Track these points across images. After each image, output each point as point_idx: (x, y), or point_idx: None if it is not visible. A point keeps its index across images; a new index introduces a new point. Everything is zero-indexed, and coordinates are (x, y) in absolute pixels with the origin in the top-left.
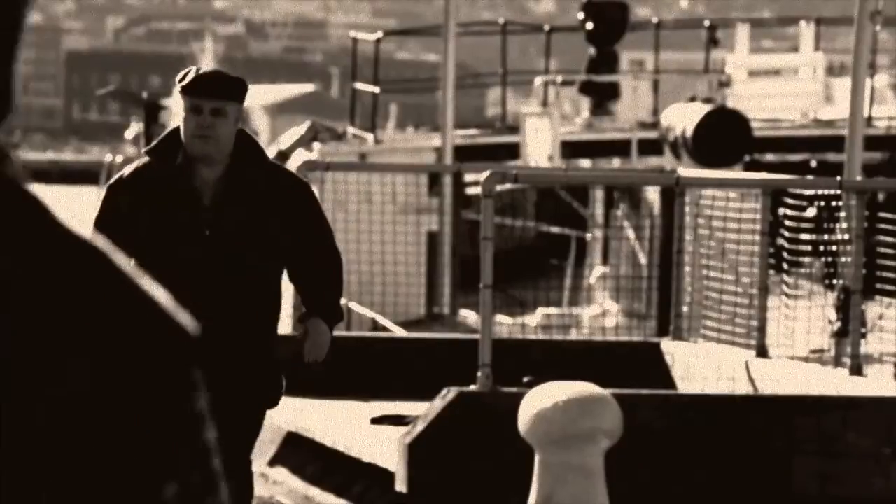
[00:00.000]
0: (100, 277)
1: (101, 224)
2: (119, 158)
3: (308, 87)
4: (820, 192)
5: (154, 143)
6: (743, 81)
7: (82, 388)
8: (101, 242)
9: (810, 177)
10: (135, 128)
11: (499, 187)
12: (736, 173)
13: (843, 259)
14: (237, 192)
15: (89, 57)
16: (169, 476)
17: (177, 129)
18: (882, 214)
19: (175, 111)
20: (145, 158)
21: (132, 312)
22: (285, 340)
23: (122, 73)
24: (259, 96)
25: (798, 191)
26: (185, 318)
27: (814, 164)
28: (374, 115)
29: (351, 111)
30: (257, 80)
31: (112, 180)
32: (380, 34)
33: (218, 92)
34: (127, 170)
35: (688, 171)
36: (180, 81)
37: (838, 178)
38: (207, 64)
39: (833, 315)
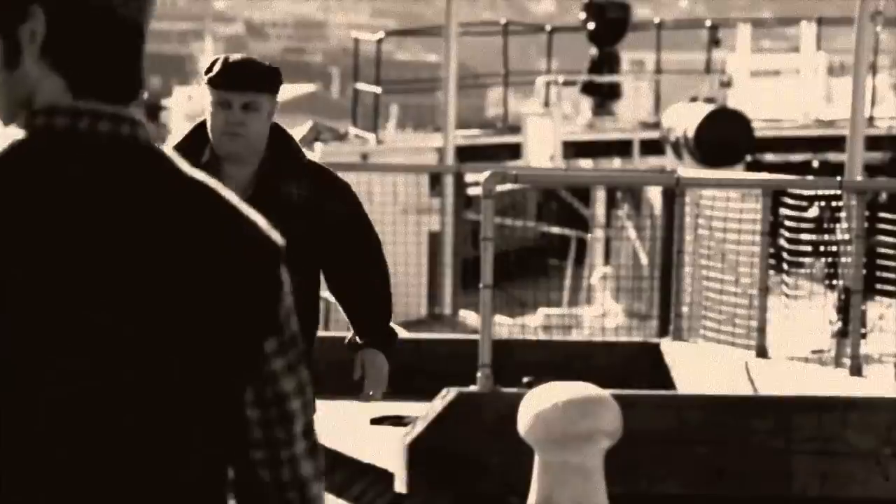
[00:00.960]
0: (221, 206)
1: None
2: None
3: (308, 87)
4: (820, 192)
5: (178, 139)
6: (744, 81)
7: (212, 279)
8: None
9: (810, 177)
10: None
11: (500, 188)
12: (736, 173)
13: (843, 259)
14: (270, 194)
15: None
16: (269, 333)
17: (203, 124)
18: (883, 215)
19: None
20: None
21: (241, 228)
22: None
23: None
24: None
25: (798, 191)
26: (276, 235)
27: (815, 164)
28: (375, 116)
29: (353, 111)
30: None
31: None
32: (381, 34)
33: (250, 84)
34: None
35: (688, 171)
36: (207, 73)
37: (838, 178)
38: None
39: (834, 315)
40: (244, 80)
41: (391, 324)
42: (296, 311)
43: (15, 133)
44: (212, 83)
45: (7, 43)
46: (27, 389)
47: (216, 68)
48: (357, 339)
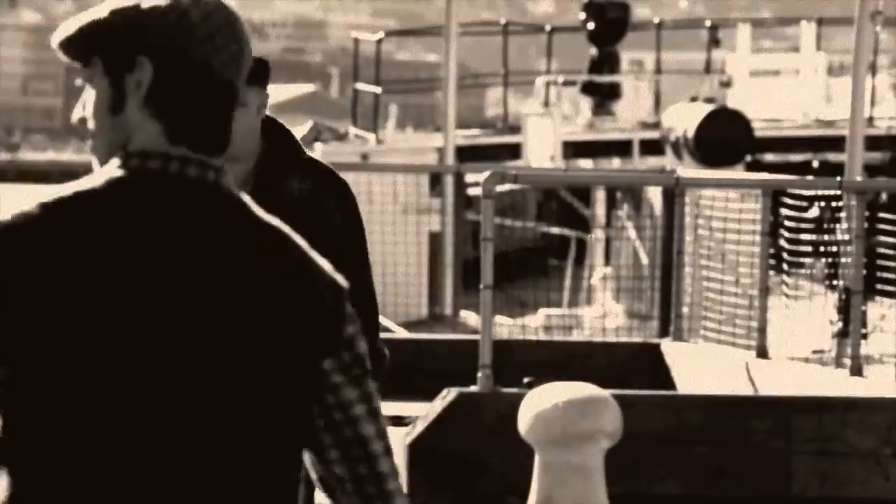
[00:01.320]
0: (292, 248)
1: None
2: None
3: (308, 87)
4: (820, 192)
5: None
6: (744, 81)
7: (280, 310)
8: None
9: (810, 177)
10: None
11: (501, 188)
12: (736, 173)
13: (844, 260)
14: (270, 189)
15: None
16: (330, 354)
17: None
18: (883, 215)
19: None
20: None
21: (307, 267)
22: None
23: None
24: None
25: (798, 191)
26: (340, 277)
27: (815, 164)
28: (375, 116)
29: (353, 111)
30: None
31: None
32: (381, 34)
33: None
34: None
35: (687, 171)
36: None
37: (838, 178)
38: None
39: (835, 316)
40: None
41: (378, 344)
42: None
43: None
44: None
45: (115, 90)
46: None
47: None
48: None
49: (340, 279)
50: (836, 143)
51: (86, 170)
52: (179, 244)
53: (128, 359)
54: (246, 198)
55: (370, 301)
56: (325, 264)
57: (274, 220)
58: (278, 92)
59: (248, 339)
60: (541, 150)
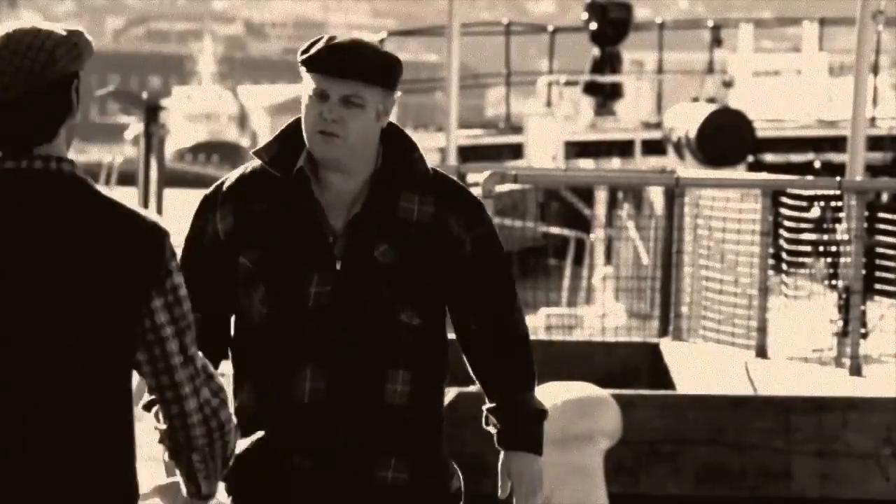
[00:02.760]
0: (120, 208)
1: (192, 255)
2: (119, 159)
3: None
4: (820, 192)
5: (267, 141)
6: (746, 82)
7: (106, 258)
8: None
9: (810, 177)
10: (134, 128)
11: (503, 188)
12: (737, 173)
13: (844, 259)
14: (383, 211)
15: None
16: (156, 293)
17: (298, 122)
18: (882, 215)
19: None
20: (254, 163)
21: (132, 220)
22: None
23: (121, 74)
24: (259, 97)
25: (799, 191)
26: (161, 223)
27: (817, 164)
28: None
29: None
30: (257, 80)
31: (207, 192)
32: (383, 35)
33: (354, 71)
34: (228, 178)
35: (687, 171)
36: (304, 52)
37: (837, 178)
38: (208, 65)
39: (835, 315)
40: (347, 65)
41: (534, 395)
42: (417, 355)
43: None
44: (307, 66)
45: None
46: None
47: (315, 47)
48: (499, 432)
49: (163, 226)
50: (838, 144)
51: (86, 169)
52: (23, 221)
53: None
54: (86, 179)
55: (525, 344)
56: (151, 216)
57: (109, 195)
58: (278, 92)
59: (82, 275)
60: (543, 151)
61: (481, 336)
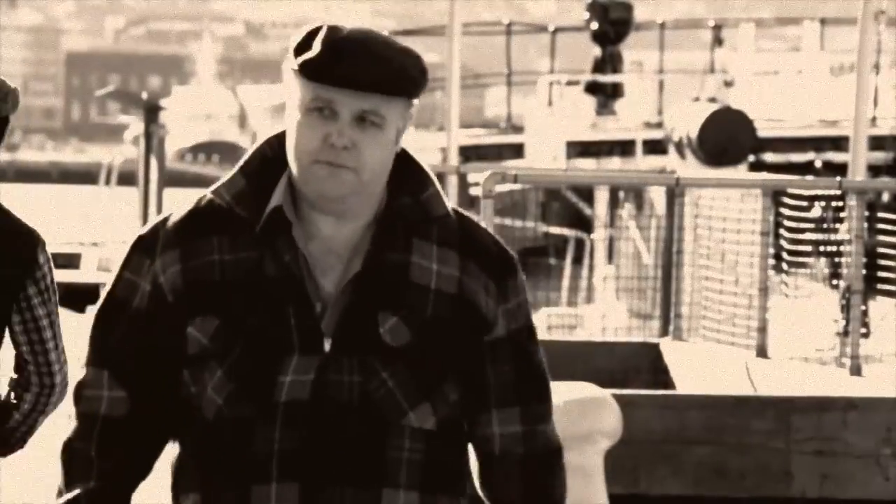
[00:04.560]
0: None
1: (116, 319)
2: (119, 160)
3: None
4: (821, 192)
5: (235, 171)
6: (747, 81)
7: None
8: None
9: (811, 177)
10: (134, 128)
11: (504, 188)
12: (737, 173)
13: (845, 259)
14: (390, 271)
15: (89, 57)
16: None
17: (272, 145)
18: (883, 215)
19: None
20: (209, 197)
21: (13, 228)
22: None
23: (121, 74)
24: (259, 97)
25: (799, 191)
26: (34, 230)
27: (818, 164)
28: None
29: None
30: (257, 80)
31: (142, 233)
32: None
33: (374, 79)
34: (173, 215)
35: (688, 171)
36: (298, 51)
37: (838, 178)
38: (208, 65)
39: (837, 315)
40: (364, 71)
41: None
42: (428, 472)
43: None
44: (307, 71)
45: None
46: None
47: (315, 46)
48: None
49: (37, 233)
50: (839, 143)
51: (86, 169)
52: None
53: None
54: None
55: (558, 463)
56: (24, 222)
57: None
58: (278, 92)
59: None
60: (544, 150)
61: (504, 450)
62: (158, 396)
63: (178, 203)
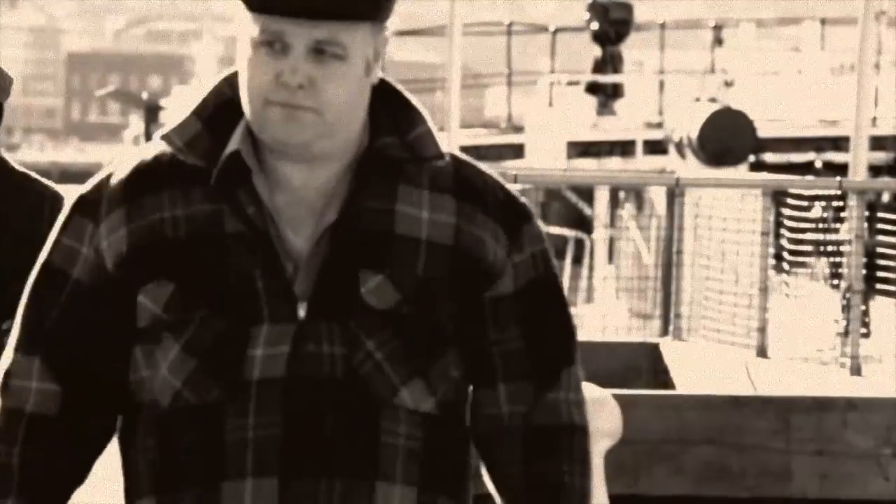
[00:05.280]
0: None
1: (52, 290)
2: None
3: None
4: (821, 192)
5: (182, 118)
6: (747, 81)
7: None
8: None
9: (811, 177)
10: (135, 128)
11: None
12: (738, 173)
13: (845, 259)
14: (371, 222)
15: (89, 57)
16: None
17: (231, 82)
18: (883, 215)
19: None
20: (159, 147)
21: (32, 187)
22: None
23: (122, 74)
24: None
25: (800, 191)
26: (57, 190)
27: (818, 164)
28: None
29: None
30: None
31: (83, 191)
32: None
33: (331, 3)
34: (118, 170)
35: (688, 171)
36: None
37: (838, 178)
38: (208, 65)
39: (837, 315)
40: None
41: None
42: (426, 460)
43: None
44: (251, 2)
45: None
46: None
47: None
48: None
49: (55, 190)
50: (839, 143)
51: (86, 169)
52: None
53: None
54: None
55: (582, 445)
56: (43, 183)
57: (21, 169)
58: None
59: (6, 228)
60: (544, 150)
61: (512, 427)
62: (100, 387)
63: (124, 154)
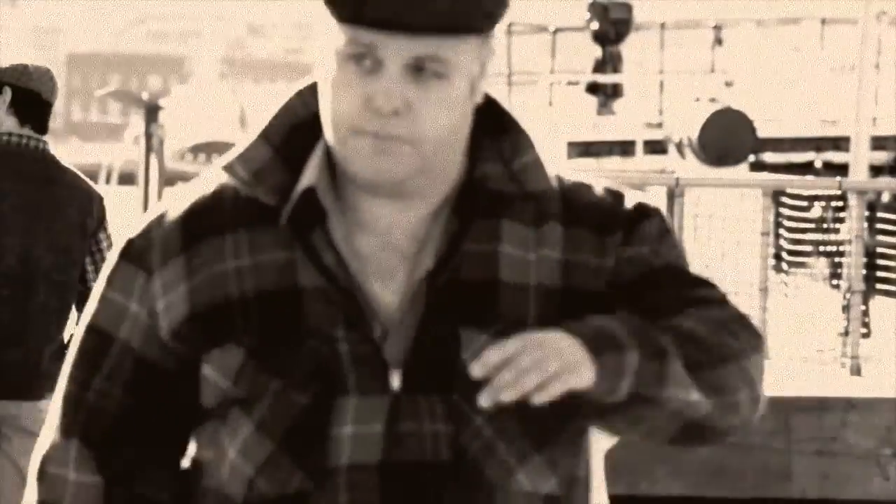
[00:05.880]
0: (75, 176)
1: (99, 360)
2: (118, 162)
3: None
4: (821, 192)
5: (246, 144)
6: (747, 81)
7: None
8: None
9: (811, 177)
10: (135, 128)
11: None
12: (738, 173)
13: (845, 259)
14: (474, 275)
15: (89, 57)
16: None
17: (305, 99)
18: (883, 215)
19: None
20: (220, 179)
21: (81, 185)
22: None
23: (121, 74)
24: (259, 97)
25: (800, 191)
26: (97, 189)
27: (818, 164)
28: None
29: None
30: (257, 80)
31: (133, 238)
32: None
33: (434, 12)
34: (169, 211)
35: (687, 171)
36: None
37: (838, 178)
38: (208, 65)
39: (838, 315)
40: (419, 4)
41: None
42: None
43: None
44: (336, 6)
45: None
46: None
47: None
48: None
49: (99, 191)
50: (839, 143)
51: (86, 169)
52: (14, 181)
53: None
54: (56, 155)
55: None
56: (90, 183)
57: (74, 170)
58: (278, 92)
59: (63, 220)
60: (544, 151)
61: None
62: (150, 479)
63: (178, 192)
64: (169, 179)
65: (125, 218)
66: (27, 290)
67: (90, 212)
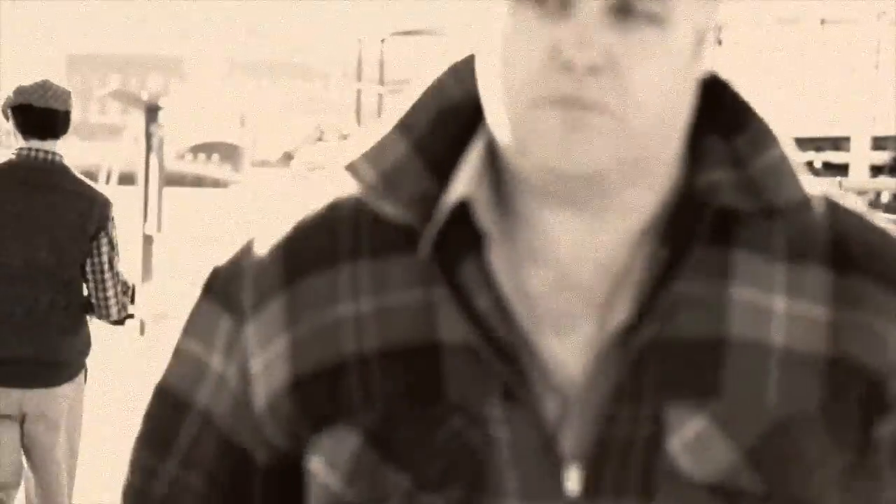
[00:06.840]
0: (82, 184)
1: (159, 449)
2: (118, 162)
3: (308, 87)
4: None
5: (389, 124)
6: (746, 81)
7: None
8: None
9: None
10: (135, 128)
11: None
12: None
13: None
14: (690, 325)
15: (89, 57)
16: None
17: (459, 78)
18: (883, 215)
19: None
20: (338, 185)
21: (89, 193)
22: None
23: (121, 74)
24: (259, 97)
25: None
26: (105, 194)
27: (818, 164)
28: (379, 116)
29: (357, 112)
30: (257, 80)
31: (217, 267)
32: (386, 35)
33: None
34: (267, 229)
35: None
36: None
37: (838, 178)
38: (208, 65)
39: None
40: None
41: None
42: None
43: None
44: None
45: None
46: None
47: None
48: None
49: (107, 197)
50: (839, 143)
51: (86, 169)
52: (27, 190)
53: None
54: (68, 165)
55: None
56: (99, 189)
57: (79, 177)
58: (278, 92)
59: (62, 224)
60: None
61: None
62: None
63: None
64: (169, 179)
65: (125, 217)
66: (34, 289)
67: (90, 215)
